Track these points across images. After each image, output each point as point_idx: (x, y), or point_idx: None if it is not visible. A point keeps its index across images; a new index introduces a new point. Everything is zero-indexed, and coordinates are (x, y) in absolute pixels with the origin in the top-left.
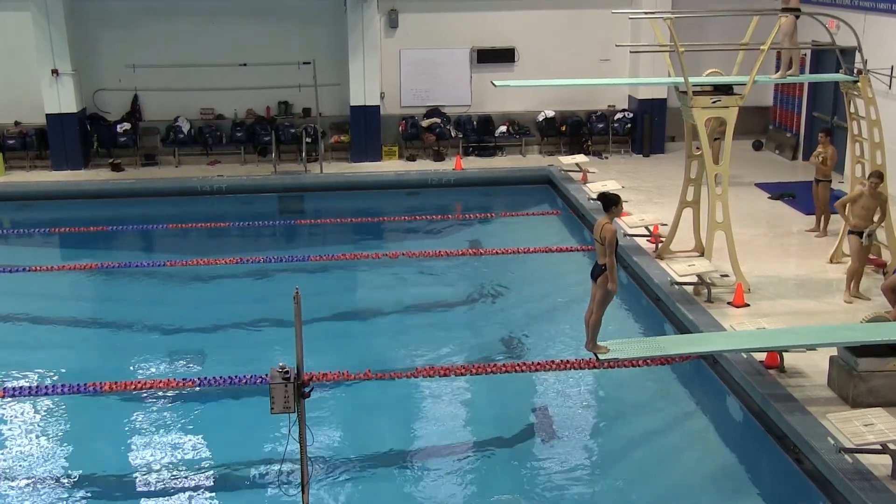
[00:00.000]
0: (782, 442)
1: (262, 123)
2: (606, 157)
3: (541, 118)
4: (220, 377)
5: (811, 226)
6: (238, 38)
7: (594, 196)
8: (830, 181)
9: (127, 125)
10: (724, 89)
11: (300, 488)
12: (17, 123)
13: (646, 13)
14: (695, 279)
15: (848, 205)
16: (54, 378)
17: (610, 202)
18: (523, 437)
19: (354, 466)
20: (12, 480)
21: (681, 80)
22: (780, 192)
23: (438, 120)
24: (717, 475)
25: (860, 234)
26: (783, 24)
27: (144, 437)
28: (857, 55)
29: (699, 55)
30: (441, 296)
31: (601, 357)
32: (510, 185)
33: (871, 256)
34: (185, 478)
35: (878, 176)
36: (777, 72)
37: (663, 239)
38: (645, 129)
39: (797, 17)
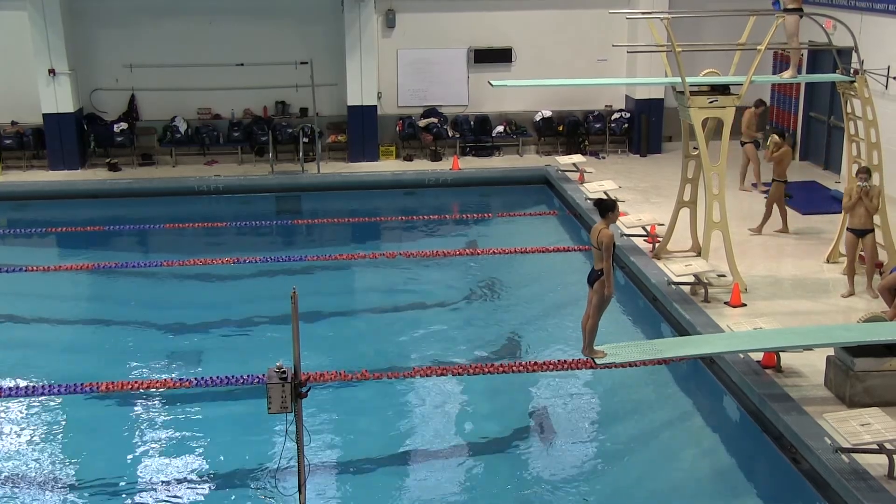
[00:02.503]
0: (779, 442)
1: (260, 123)
2: (604, 157)
3: (538, 118)
4: (218, 377)
5: (804, 225)
6: (235, 38)
7: (591, 196)
8: (786, 181)
9: (124, 125)
10: (721, 89)
11: (297, 488)
12: (13, 123)
13: (643, 13)
14: (692, 279)
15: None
16: (51, 378)
17: (606, 208)
18: (520, 438)
19: (351, 466)
20: (9, 480)
21: (678, 80)
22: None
23: (435, 120)
24: (714, 475)
25: (854, 232)
26: (788, 23)
27: (141, 437)
28: (854, 55)
29: (696, 55)
30: (438, 296)
31: (598, 361)
32: (507, 184)
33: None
34: (182, 478)
35: (867, 172)
36: (786, 71)
37: (660, 239)
38: (642, 128)
39: (800, 16)
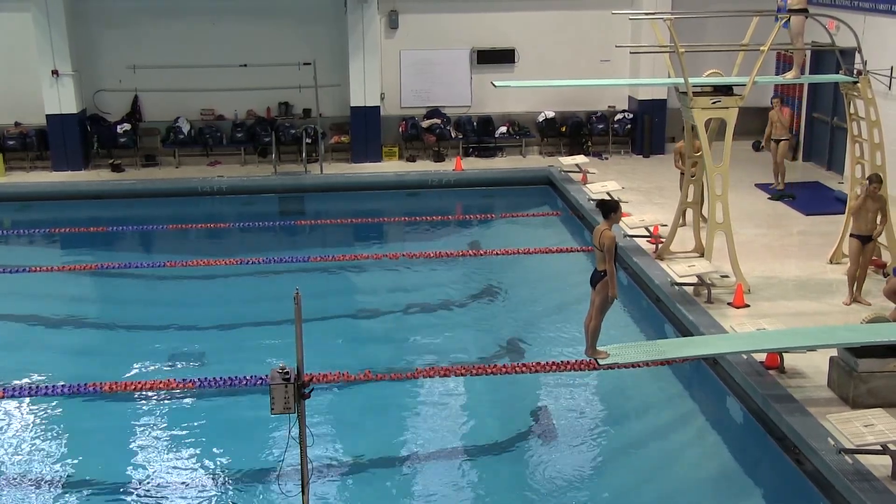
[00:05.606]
0: (782, 443)
1: (263, 124)
2: (607, 158)
3: (541, 119)
4: (221, 378)
5: (807, 226)
6: (238, 39)
7: (594, 197)
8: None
9: (127, 126)
10: (724, 90)
11: (300, 489)
12: (17, 124)
13: (646, 14)
14: (695, 280)
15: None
16: (54, 378)
17: (609, 209)
18: (524, 439)
19: (354, 467)
20: (11, 481)
21: (681, 80)
22: (779, 192)
23: (438, 120)
24: (717, 476)
25: (860, 238)
26: (794, 24)
27: (144, 438)
28: (857, 56)
29: (699, 56)
30: (441, 297)
31: (601, 362)
32: (510, 185)
33: (872, 257)
34: (185, 478)
35: (878, 180)
36: (789, 72)
37: (663, 239)
38: (645, 129)
39: (806, 17)
